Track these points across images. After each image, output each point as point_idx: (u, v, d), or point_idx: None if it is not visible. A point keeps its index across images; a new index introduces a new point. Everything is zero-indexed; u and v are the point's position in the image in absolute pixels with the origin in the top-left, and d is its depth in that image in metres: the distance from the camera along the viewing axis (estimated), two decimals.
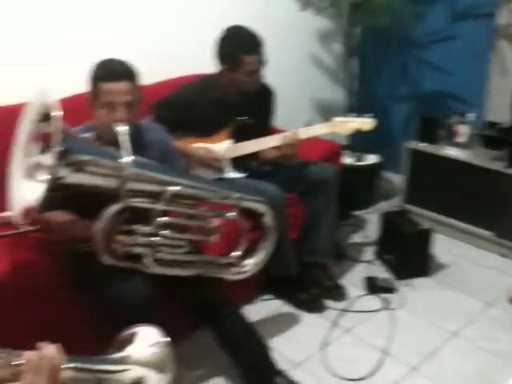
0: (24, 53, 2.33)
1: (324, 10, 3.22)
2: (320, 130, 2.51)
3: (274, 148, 2.46)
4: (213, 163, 2.43)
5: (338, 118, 2.51)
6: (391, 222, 2.88)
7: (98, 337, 1.46)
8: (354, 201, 3.32)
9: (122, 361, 1.14)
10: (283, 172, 2.57)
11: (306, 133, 2.49)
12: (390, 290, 2.66)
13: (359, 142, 3.42)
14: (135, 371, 1.13)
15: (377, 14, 3.14)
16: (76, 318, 1.90)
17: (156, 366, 1.16)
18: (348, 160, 3.41)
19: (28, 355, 0.95)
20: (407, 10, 3.17)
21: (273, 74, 2.58)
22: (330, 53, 3.69)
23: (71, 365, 1.03)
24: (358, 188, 3.40)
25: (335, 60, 3.71)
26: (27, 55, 2.33)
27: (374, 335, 2.36)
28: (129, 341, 1.18)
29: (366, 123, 2.49)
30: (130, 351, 1.16)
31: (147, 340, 1.19)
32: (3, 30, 2.26)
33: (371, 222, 3.30)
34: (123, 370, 1.12)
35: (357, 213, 3.40)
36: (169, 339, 1.20)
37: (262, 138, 2.46)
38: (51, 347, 0.99)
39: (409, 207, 3.24)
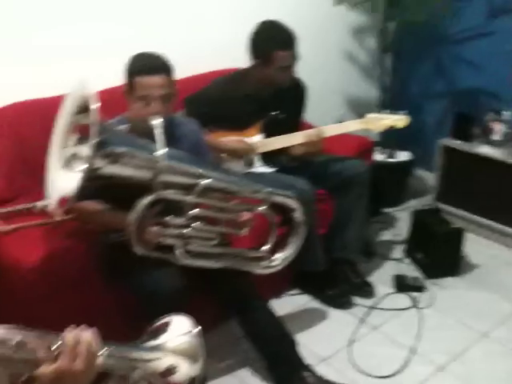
0: (63, 47, 2.37)
1: (359, 4, 3.19)
2: (353, 126, 2.50)
3: (300, 145, 2.46)
4: (246, 153, 2.44)
5: (371, 115, 2.49)
6: (422, 220, 2.85)
7: (130, 326, 1.49)
8: (384, 198, 3.29)
9: (155, 349, 1.15)
10: (313, 167, 2.57)
11: (336, 129, 2.49)
12: (419, 288, 2.64)
13: (391, 138, 3.39)
14: (168, 360, 1.15)
15: (413, 10, 3.10)
16: (108, 307, 1.94)
17: (188, 354, 1.17)
18: (379, 156, 3.38)
19: (66, 338, 0.97)
20: (444, 6, 3.12)
21: (305, 68, 2.57)
22: (364, 48, 3.66)
23: (107, 350, 1.05)
24: (389, 185, 3.37)
25: (369, 56, 3.67)
26: (66, 49, 2.37)
27: (402, 333, 2.35)
28: (162, 330, 1.20)
29: (399, 120, 2.47)
30: (163, 340, 1.17)
31: (180, 329, 1.20)
32: (42, 24, 2.30)
33: (401, 219, 3.27)
34: (156, 359, 1.14)
35: (387, 210, 3.37)
36: (200, 328, 1.21)
37: (289, 134, 2.47)
38: (89, 331, 1.01)
39: (440, 206, 3.20)
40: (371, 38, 3.57)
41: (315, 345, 2.26)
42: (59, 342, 0.97)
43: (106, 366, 1.04)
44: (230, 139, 2.45)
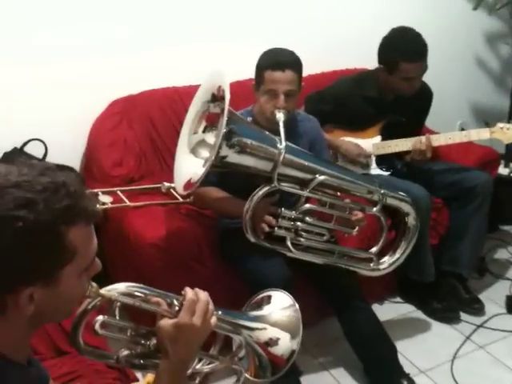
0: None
1: (497, 10, 3.05)
2: (480, 134, 2.39)
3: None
4: (360, 159, 2.44)
5: (501, 124, 2.37)
6: None
7: (237, 309, 1.55)
8: (503, 214, 3.11)
9: (259, 319, 1.19)
10: (431, 175, 2.50)
11: (461, 137, 2.40)
12: None
13: None
14: (271, 331, 1.18)
15: None
16: (217, 289, 2.00)
17: (290, 328, 1.19)
18: (502, 170, 3.20)
19: (187, 295, 1.04)
20: None
21: (431, 72, 2.50)
22: (497, 56, 3.48)
23: (219, 313, 1.11)
24: (511, 201, 3.18)
25: (502, 64, 3.50)
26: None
27: (509, 356, 2.22)
28: (266, 301, 1.24)
29: None
30: (267, 311, 1.21)
31: (282, 303, 1.23)
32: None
33: None
34: (261, 328, 1.17)
35: (505, 227, 3.19)
36: (298, 306, 1.23)
37: (404, 139, 2.42)
38: (205, 293, 1.08)
39: None
40: (505, 46, 3.39)
41: (415, 355, 2.21)
42: (180, 298, 1.04)
43: (216, 326, 1.09)
44: (345, 141, 2.46)
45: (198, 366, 1.18)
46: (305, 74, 2.02)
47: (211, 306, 1.06)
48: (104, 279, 1.08)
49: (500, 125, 2.37)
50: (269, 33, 2.56)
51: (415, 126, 2.58)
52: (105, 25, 2.37)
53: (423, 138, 2.37)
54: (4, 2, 2.17)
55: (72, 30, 2.31)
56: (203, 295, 1.06)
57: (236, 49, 2.55)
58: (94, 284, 0.99)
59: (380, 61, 2.40)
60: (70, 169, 2.14)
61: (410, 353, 2.21)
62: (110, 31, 2.38)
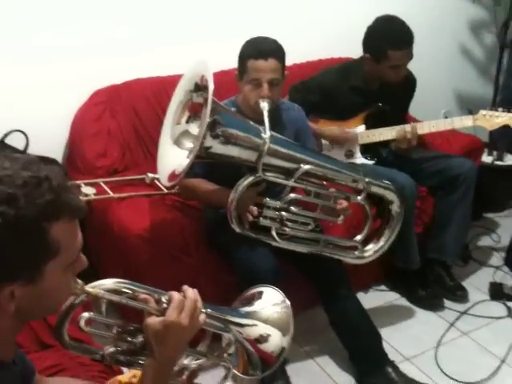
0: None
1: None
2: (463, 122, 2.40)
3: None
4: (344, 135, 2.42)
5: (483, 111, 2.38)
6: None
7: (224, 299, 1.55)
8: (487, 202, 3.14)
9: (250, 316, 1.17)
10: (416, 163, 2.50)
11: (445, 125, 2.41)
12: None
13: (500, 139, 3.22)
14: (262, 327, 1.16)
15: None
16: (204, 278, 2.01)
17: (281, 325, 1.17)
18: (486, 158, 3.23)
19: (174, 294, 1.02)
20: None
21: (417, 61, 2.50)
22: (481, 44, 3.50)
23: (208, 310, 1.09)
24: (495, 188, 3.21)
25: (486, 52, 3.51)
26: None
27: (493, 342, 2.25)
28: (256, 297, 1.22)
29: None
30: (257, 307, 1.19)
31: (273, 299, 1.21)
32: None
33: (503, 226, 3.11)
34: (251, 325, 1.15)
35: (489, 215, 3.22)
36: (289, 303, 1.21)
37: (389, 127, 2.41)
38: (194, 290, 1.06)
39: None
40: (489, 34, 3.41)
41: (400, 343, 2.23)
42: (167, 297, 1.02)
43: (205, 324, 1.08)
44: (332, 128, 2.46)
45: (185, 362, 1.17)
46: (289, 62, 2.00)
47: (199, 304, 1.04)
48: (89, 271, 1.06)
49: (483, 112, 2.38)
50: (254, 22, 2.54)
51: (401, 114, 2.58)
52: (105, 25, 2.35)
53: (408, 127, 2.37)
54: (4, 2, 2.14)
55: (72, 30, 2.29)
56: (191, 293, 1.04)
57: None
58: (80, 281, 0.97)
59: (366, 50, 2.39)
60: (53, 161, 2.12)
61: (395, 340, 2.24)
62: (110, 31, 2.36)
